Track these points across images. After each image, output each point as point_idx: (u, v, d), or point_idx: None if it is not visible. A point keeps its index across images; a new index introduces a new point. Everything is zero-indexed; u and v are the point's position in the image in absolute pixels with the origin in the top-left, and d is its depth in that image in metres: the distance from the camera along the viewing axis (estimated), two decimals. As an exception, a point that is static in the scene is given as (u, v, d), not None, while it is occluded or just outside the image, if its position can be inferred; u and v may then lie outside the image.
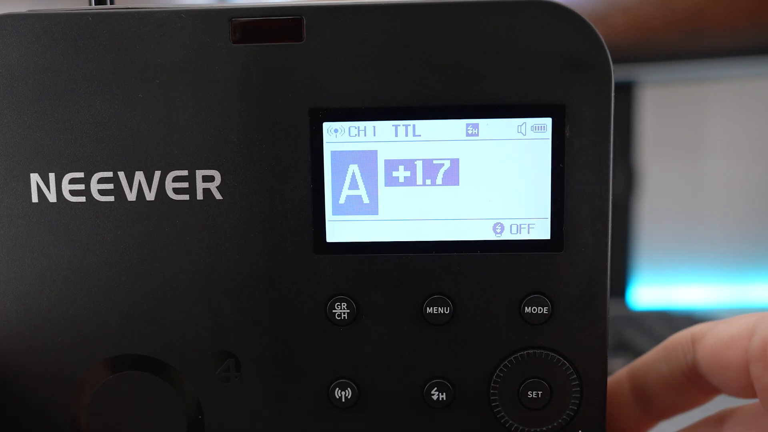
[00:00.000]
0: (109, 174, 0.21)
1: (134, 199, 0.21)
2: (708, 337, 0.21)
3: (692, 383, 0.22)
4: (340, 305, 0.21)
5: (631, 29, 0.46)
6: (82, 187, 0.21)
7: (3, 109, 0.21)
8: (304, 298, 0.21)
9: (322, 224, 0.21)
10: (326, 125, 0.21)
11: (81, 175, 0.21)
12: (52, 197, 0.21)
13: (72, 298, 0.22)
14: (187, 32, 0.21)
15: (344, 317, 0.21)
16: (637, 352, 0.45)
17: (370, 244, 0.21)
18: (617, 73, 0.21)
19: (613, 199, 0.21)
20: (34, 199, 0.21)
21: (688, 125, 0.69)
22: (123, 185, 0.21)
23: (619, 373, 0.24)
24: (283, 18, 0.21)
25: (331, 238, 0.21)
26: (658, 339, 0.49)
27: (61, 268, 0.21)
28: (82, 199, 0.21)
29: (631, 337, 0.48)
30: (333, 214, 0.21)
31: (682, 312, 0.58)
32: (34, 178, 0.21)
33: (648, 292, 0.70)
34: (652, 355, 0.24)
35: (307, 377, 0.22)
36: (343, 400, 0.22)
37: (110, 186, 0.21)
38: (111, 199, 0.21)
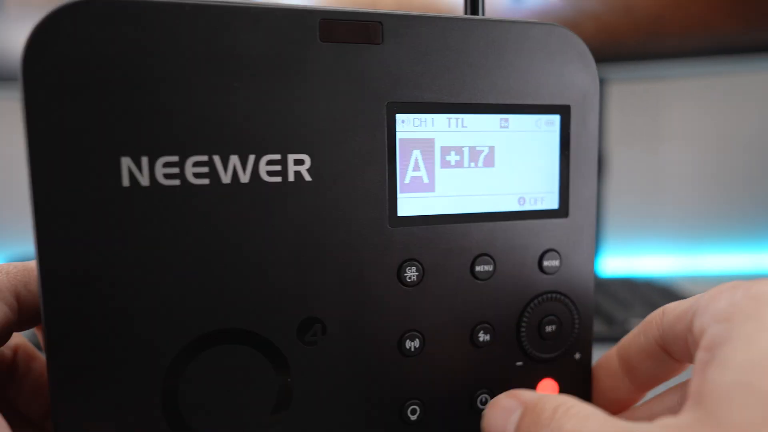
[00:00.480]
0: (204, 158, 0.22)
1: (229, 182, 0.23)
2: (668, 311, 0.24)
3: (665, 353, 0.24)
4: (410, 269, 0.25)
5: (599, 33, 0.53)
6: (176, 170, 0.22)
7: (93, 92, 0.21)
8: (381, 265, 0.25)
9: (395, 201, 0.25)
10: (398, 116, 0.25)
11: (176, 159, 0.22)
12: (144, 181, 0.22)
13: (164, 278, 0.22)
14: (281, 28, 0.23)
15: (414, 279, 0.25)
16: (604, 315, 0.54)
17: (431, 216, 0.26)
18: (602, 81, 0.28)
19: (594, 178, 0.28)
20: (125, 183, 0.22)
21: (649, 118, 0.80)
22: (218, 168, 0.22)
23: (610, 350, 0.27)
24: (365, 22, 0.24)
25: (401, 212, 0.25)
26: (623, 302, 0.58)
27: (154, 249, 0.22)
28: (177, 182, 0.22)
29: (600, 302, 0.57)
30: (400, 193, 0.25)
31: (643, 279, 0.68)
32: (126, 161, 0.21)
33: (614, 261, 0.80)
34: (635, 329, 0.26)
35: (382, 333, 0.25)
36: (412, 350, 0.26)
37: (205, 169, 0.22)
38: (206, 182, 0.22)
